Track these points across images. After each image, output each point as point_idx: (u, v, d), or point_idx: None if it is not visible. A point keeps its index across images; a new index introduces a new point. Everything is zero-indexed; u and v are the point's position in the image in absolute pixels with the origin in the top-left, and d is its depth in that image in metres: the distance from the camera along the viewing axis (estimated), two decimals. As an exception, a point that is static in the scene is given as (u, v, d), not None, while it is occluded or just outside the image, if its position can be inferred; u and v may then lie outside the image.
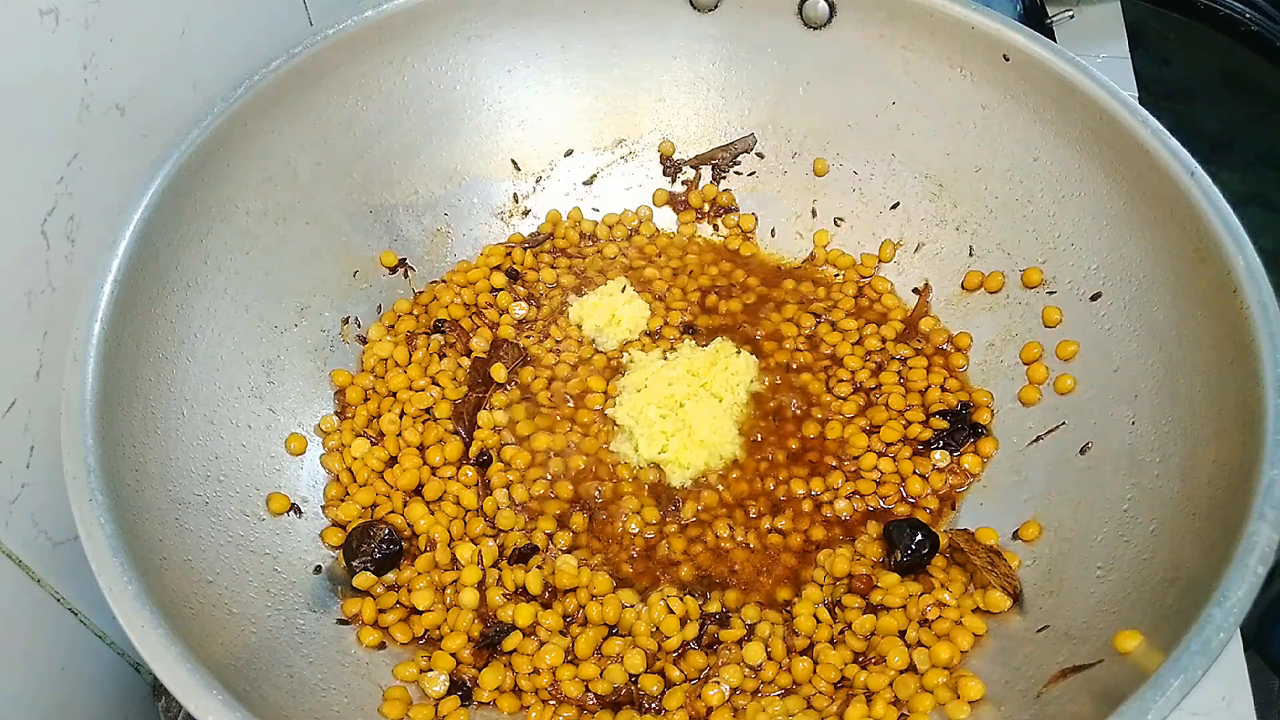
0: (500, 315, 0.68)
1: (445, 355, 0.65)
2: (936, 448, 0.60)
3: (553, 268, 0.70)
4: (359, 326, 0.66)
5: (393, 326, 0.66)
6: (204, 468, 0.53)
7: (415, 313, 0.67)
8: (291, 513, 0.57)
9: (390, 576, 0.56)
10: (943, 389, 0.63)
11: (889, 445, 0.61)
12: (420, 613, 0.54)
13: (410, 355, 0.64)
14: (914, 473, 0.60)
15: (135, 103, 0.56)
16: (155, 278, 0.53)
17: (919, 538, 0.55)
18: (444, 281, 0.69)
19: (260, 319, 0.60)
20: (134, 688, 0.62)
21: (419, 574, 0.55)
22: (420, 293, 0.68)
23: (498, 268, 0.69)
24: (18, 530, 0.52)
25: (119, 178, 0.54)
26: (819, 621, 0.54)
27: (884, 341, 0.66)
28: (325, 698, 0.49)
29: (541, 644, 0.53)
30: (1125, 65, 0.83)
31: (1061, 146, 0.60)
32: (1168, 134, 0.54)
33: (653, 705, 0.52)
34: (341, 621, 0.53)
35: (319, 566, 0.55)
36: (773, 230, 0.73)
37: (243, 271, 0.59)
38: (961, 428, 0.61)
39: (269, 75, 0.58)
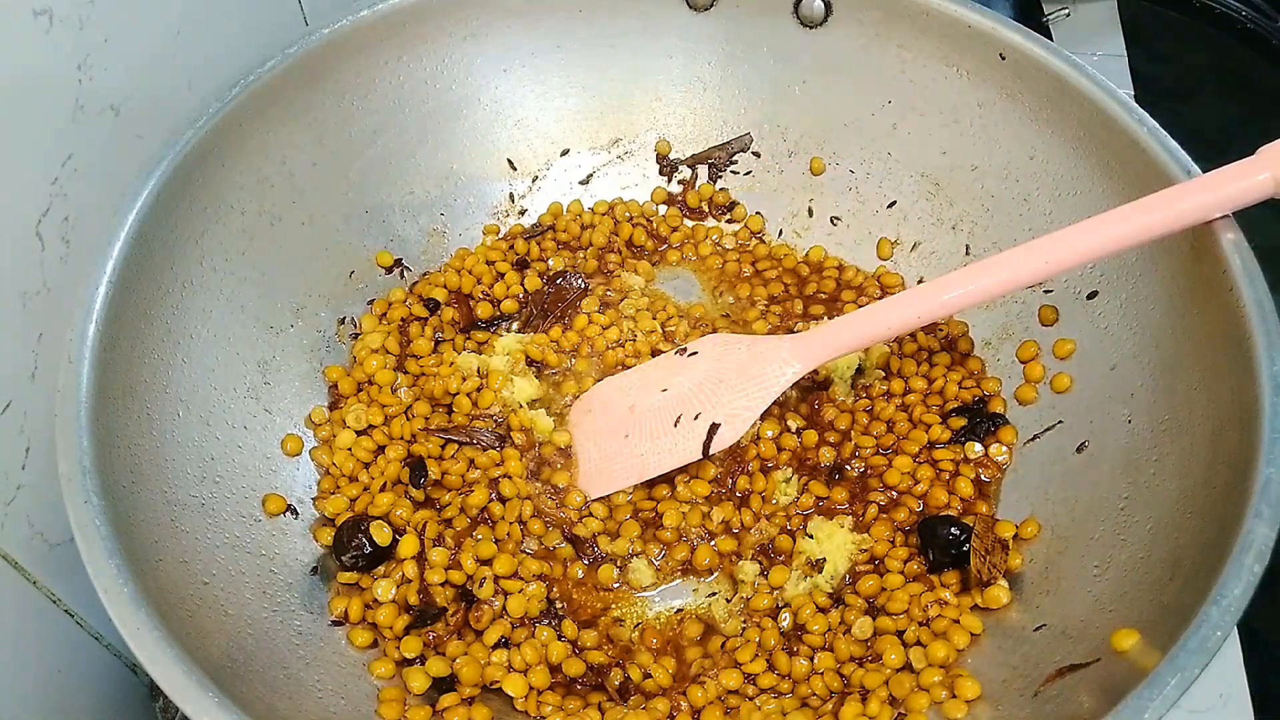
0: (506, 289, 0.68)
1: (441, 340, 0.65)
2: (961, 442, 0.60)
3: (558, 255, 0.70)
4: (355, 327, 0.66)
5: (384, 315, 0.66)
6: (200, 469, 0.53)
7: (409, 302, 0.67)
8: (288, 514, 0.56)
9: (381, 569, 0.56)
10: (960, 386, 0.62)
11: (919, 451, 0.60)
12: (412, 608, 0.54)
13: (403, 346, 0.65)
14: (953, 474, 0.59)
15: (130, 103, 0.56)
16: (150, 279, 0.53)
17: (954, 530, 0.54)
18: (440, 271, 0.69)
19: (256, 320, 0.60)
20: (131, 688, 0.62)
21: (396, 565, 0.55)
22: (415, 283, 0.68)
23: (492, 263, 0.69)
24: (14, 532, 0.52)
25: (114, 178, 0.54)
26: (817, 611, 0.54)
27: (912, 337, 0.65)
28: (322, 699, 0.48)
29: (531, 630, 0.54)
30: (1121, 63, 0.83)
31: (1058, 145, 0.60)
32: (1164, 132, 0.54)
33: (644, 692, 0.52)
34: (336, 622, 0.53)
35: (315, 567, 0.55)
36: (771, 230, 0.73)
37: (238, 272, 0.59)
38: (980, 420, 0.60)
39: (264, 75, 0.58)
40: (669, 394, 0.60)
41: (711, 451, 0.57)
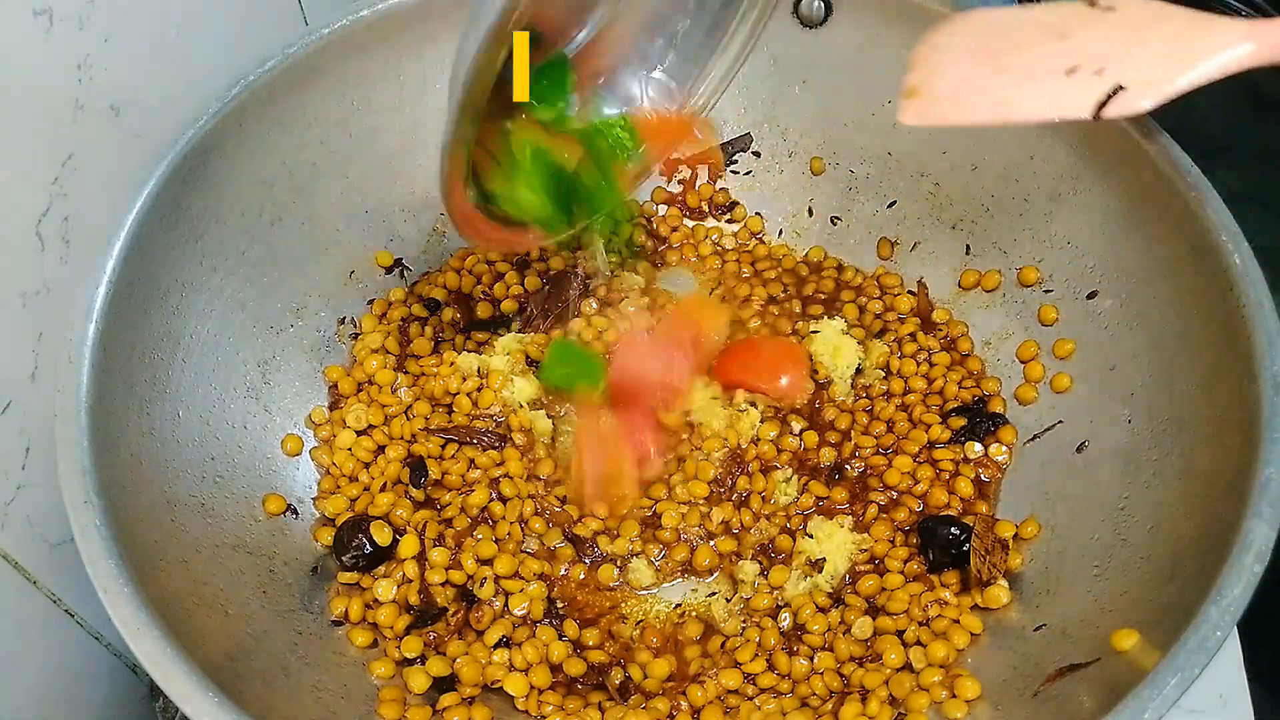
0: (506, 289, 0.68)
1: (441, 340, 0.65)
2: (961, 442, 0.60)
3: (559, 255, 0.70)
4: (355, 326, 0.66)
5: (384, 315, 0.66)
6: (200, 469, 0.53)
7: (409, 302, 0.67)
8: (288, 514, 0.56)
9: (381, 569, 0.56)
10: (960, 386, 0.62)
11: (919, 451, 0.60)
12: (412, 608, 0.54)
13: (403, 346, 0.65)
14: (953, 474, 0.59)
15: (130, 103, 0.56)
16: (150, 278, 0.53)
17: (954, 530, 0.54)
18: (440, 271, 0.69)
19: (256, 320, 0.60)
20: (131, 688, 0.62)
21: (397, 565, 0.55)
22: (416, 283, 0.68)
23: (492, 263, 0.69)
24: (14, 532, 0.52)
25: (113, 178, 0.54)
26: (817, 610, 0.54)
27: (912, 337, 0.65)
28: (322, 699, 0.48)
29: (530, 627, 0.54)
30: (1121, 63, 0.83)
31: (1057, 144, 0.60)
32: (1164, 132, 0.54)
33: (644, 691, 0.52)
34: (336, 622, 0.53)
35: (316, 567, 0.55)
36: (771, 230, 0.73)
37: (238, 272, 0.59)
38: (980, 420, 0.60)
39: (264, 75, 0.58)
40: (1069, 41, 0.49)
41: (1105, 116, 0.47)
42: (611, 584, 0.57)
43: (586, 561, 0.58)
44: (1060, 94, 0.48)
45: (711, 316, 0.66)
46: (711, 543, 0.58)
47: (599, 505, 0.58)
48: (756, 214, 0.73)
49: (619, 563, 0.57)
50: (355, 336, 0.65)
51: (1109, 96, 0.47)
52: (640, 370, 0.61)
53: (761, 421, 0.61)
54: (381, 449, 0.60)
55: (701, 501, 0.59)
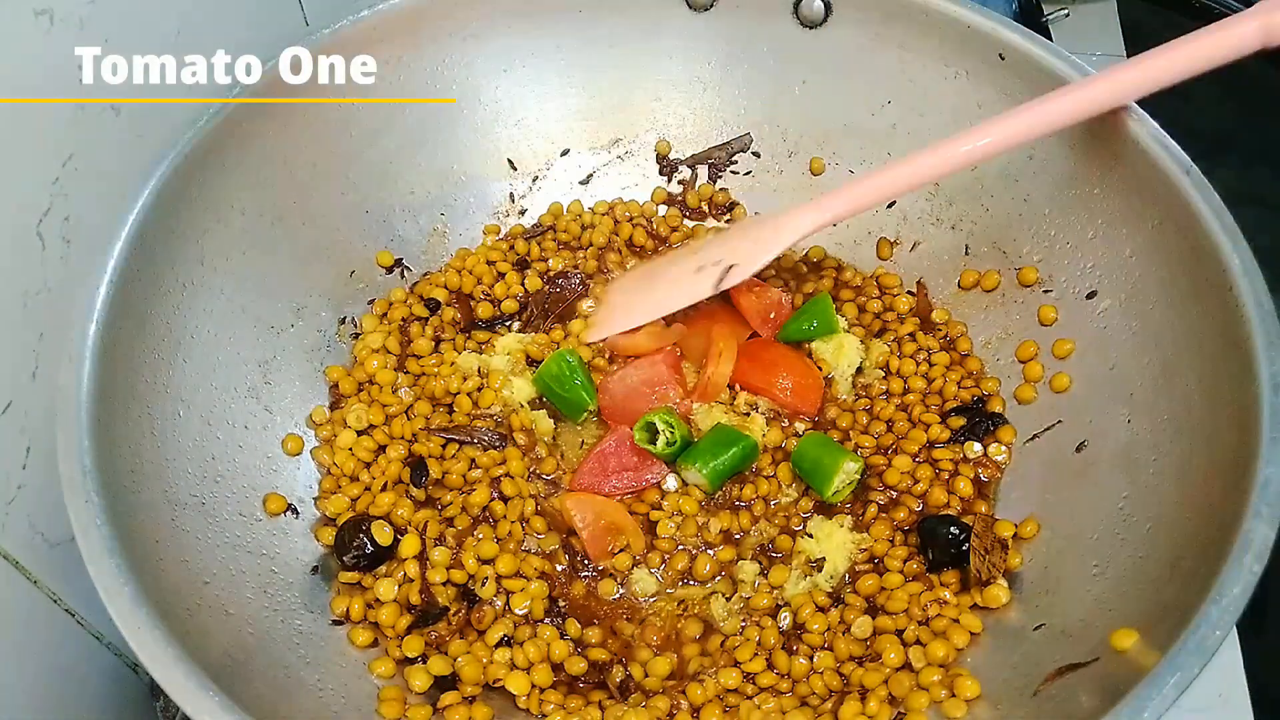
0: (507, 289, 0.68)
1: (441, 340, 0.66)
2: (960, 441, 0.60)
3: (558, 255, 0.70)
4: (356, 326, 0.66)
5: (385, 315, 0.66)
6: (201, 468, 0.53)
7: (410, 302, 0.67)
8: (288, 513, 0.57)
9: (382, 569, 0.56)
10: (959, 386, 0.63)
11: (918, 451, 0.60)
12: (414, 607, 0.54)
13: (404, 345, 0.65)
14: (952, 474, 0.59)
15: (130, 104, 0.56)
16: (151, 278, 0.53)
17: (953, 530, 0.55)
18: (441, 271, 0.69)
19: (257, 319, 0.60)
20: (131, 688, 0.62)
21: (398, 564, 0.56)
22: (416, 283, 0.69)
23: (493, 263, 0.70)
24: (14, 531, 0.52)
25: (114, 178, 0.54)
26: (817, 610, 0.54)
27: (912, 337, 0.65)
28: (322, 698, 0.49)
29: (533, 626, 0.54)
30: (1121, 63, 0.83)
31: (1057, 145, 0.60)
32: (1163, 132, 0.54)
33: (645, 690, 0.52)
34: (337, 622, 0.54)
35: (316, 567, 0.55)
36: (769, 229, 0.73)
37: (239, 272, 0.59)
38: (980, 420, 0.61)
39: (265, 76, 0.58)
40: (699, 254, 0.66)
41: (722, 288, 0.62)
42: (613, 596, 0.57)
43: (584, 577, 0.57)
44: (693, 285, 0.63)
45: (728, 343, 0.65)
46: (711, 551, 0.58)
47: (606, 559, 0.58)
48: (756, 214, 0.73)
49: (620, 579, 0.57)
50: (356, 336, 0.65)
51: (724, 274, 0.62)
52: (631, 396, 0.62)
53: (766, 424, 0.62)
54: (382, 449, 0.60)
55: (698, 511, 0.59)
